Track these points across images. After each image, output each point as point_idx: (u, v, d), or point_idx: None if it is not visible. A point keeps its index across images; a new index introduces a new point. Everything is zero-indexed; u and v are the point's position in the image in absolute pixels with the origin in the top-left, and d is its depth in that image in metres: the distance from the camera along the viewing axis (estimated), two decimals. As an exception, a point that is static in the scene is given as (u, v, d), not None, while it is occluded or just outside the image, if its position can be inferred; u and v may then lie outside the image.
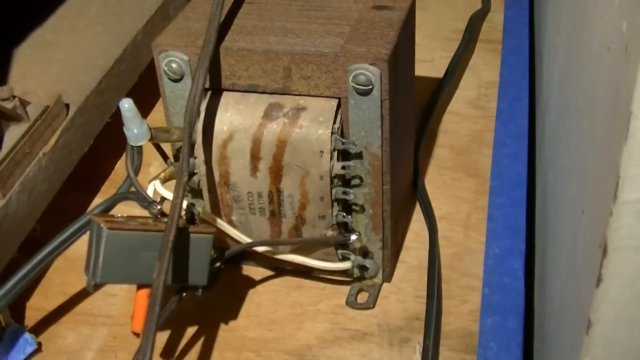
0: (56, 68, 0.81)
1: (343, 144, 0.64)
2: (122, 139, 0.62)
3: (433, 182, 0.84)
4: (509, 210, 0.79)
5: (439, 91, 0.95)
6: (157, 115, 0.84)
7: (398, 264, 0.75)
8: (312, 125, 0.63)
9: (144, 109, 0.69)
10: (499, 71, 0.99)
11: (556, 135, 0.76)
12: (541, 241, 0.78)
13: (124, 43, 0.85)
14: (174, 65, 0.65)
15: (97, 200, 0.84)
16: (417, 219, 0.80)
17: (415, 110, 0.81)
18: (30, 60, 0.81)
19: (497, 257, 0.74)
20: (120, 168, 0.88)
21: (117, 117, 0.62)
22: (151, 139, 0.63)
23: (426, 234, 0.78)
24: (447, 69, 0.99)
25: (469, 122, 0.93)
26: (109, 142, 0.78)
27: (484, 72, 1.01)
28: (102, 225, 0.58)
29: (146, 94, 0.80)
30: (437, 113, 0.93)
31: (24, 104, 0.71)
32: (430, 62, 1.02)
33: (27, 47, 0.84)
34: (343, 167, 0.65)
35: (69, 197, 0.78)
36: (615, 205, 0.43)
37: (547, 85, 0.89)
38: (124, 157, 0.64)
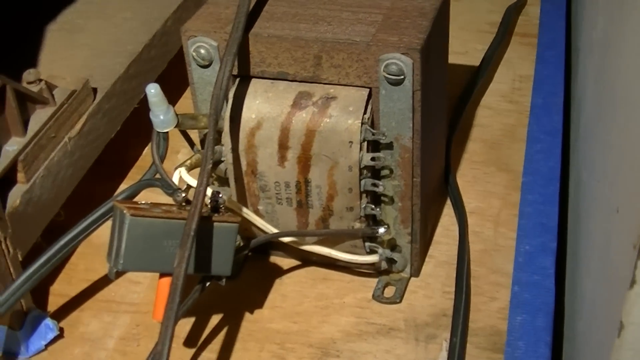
0: (84, 52, 0.80)
1: (373, 134, 0.63)
2: (150, 125, 0.61)
3: (464, 176, 0.83)
4: (541, 206, 0.77)
5: (473, 84, 0.94)
6: (186, 102, 0.83)
7: (427, 259, 0.74)
8: (341, 115, 0.62)
9: (173, 95, 0.69)
10: (534, 65, 0.98)
11: (590, 131, 0.74)
12: (573, 239, 0.76)
13: (153, 29, 0.84)
14: (202, 51, 0.65)
15: (124, 186, 0.84)
16: (447, 213, 0.79)
17: (448, 103, 0.79)
18: (59, 45, 0.81)
19: (527, 254, 0.73)
20: (148, 154, 0.87)
21: (145, 103, 0.61)
22: (177, 126, 0.62)
23: (456, 228, 0.76)
24: (481, 61, 0.98)
25: (502, 116, 0.91)
26: (137, 128, 0.77)
27: (518, 66, 0.99)
28: (124, 211, 0.58)
29: (175, 80, 0.80)
30: (470, 106, 0.92)
31: (50, 87, 0.70)
32: (464, 54, 1.00)
33: (56, 31, 0.83)
34: (372, 159, 0.63)
35: (95, 183, 0.78)
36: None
37: (582, 81, 0.87)
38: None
